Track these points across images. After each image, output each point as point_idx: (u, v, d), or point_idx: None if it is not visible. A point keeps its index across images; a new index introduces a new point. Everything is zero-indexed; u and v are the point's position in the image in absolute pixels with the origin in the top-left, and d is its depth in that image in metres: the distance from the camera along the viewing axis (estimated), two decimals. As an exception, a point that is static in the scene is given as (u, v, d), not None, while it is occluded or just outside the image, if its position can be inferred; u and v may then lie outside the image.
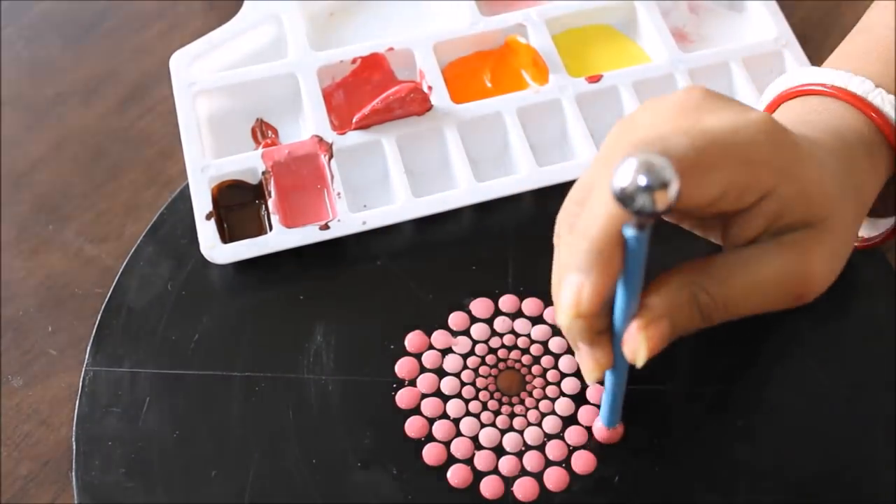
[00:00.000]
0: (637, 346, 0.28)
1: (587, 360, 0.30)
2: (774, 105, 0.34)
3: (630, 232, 0.25)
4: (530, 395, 0.35)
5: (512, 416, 0.34)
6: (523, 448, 0.34)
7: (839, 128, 0.31)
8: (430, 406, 0.34)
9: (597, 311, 0.27)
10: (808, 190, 0.28)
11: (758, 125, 0.28)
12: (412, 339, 0.36)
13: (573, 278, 0.27)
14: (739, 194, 0.27)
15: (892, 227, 0.35)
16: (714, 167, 0.26)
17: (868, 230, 0.36)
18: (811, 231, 0.28)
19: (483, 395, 0.35)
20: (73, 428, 0.34)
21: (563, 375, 0.35)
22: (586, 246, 0.26)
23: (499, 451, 0.34)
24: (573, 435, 0.34)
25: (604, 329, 0.29)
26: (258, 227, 0.38)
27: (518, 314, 0.36)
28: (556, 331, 0.36)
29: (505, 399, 0.35)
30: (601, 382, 0.31)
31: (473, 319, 0.36)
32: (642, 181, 0.23)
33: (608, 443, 0.34)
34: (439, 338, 0.36)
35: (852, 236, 0.30)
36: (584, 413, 0.34)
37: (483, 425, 0.34)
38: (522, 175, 0.39)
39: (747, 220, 0.28)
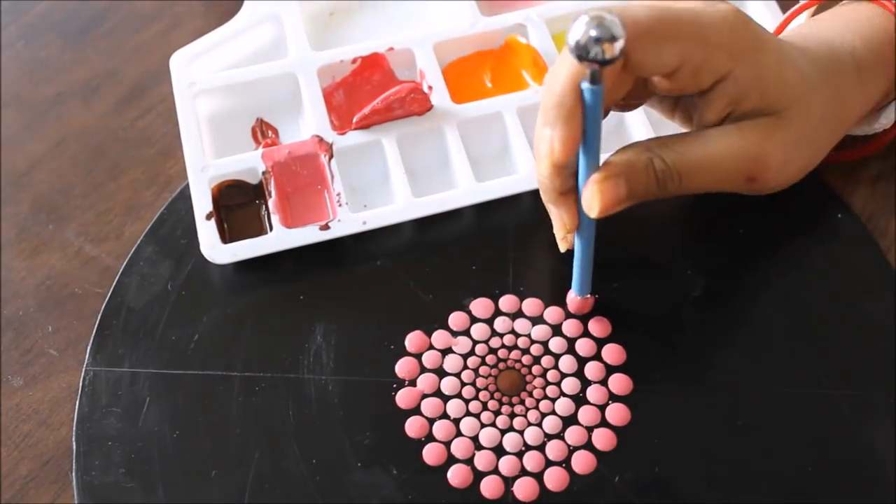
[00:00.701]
0: (591, 197, 0.30)
1: (555, 221, 0.33)
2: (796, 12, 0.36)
3: (586, 85, 0.28)
4: (530, 395, 0.35)
5: (512, 416, 0.34)
6: (523, 448, 0.34)
7: (833, 40, 0.33)
8: (430, 406, 0.35)
9: (566, 160, 0.30)
10: (764, 77, 0.30)
11: (722, 13, 0.30)
12: (412, 339, 0.36)
13: (545, 132, 0.30)
14: (695, 71, 0.30)
15: (891, 125, 0.36)
16: (669, 38, 0.29)
17: (865, 128, 0.37)
18: (769, 119, 0.31)
19: (483, 395, 0.35)
20: (73, 428, 0.34)
21: (564, 375, 0.35)
22: (552, 101, 0.29)
23: (499, 451, 0.34)
24: (573, 435, 0.34)
25: (568, 190, 0.32)
26: (258, 227, 0.38)
27: (518, 314, 0.37)
28: (556, 331, 0.36)
29: (505, 399, 0.35)
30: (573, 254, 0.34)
31: (473, 319, 0.36)
32: (593, 33, 0.27)
33: (580, 312, 0.36)
34: (439, 338, 0.36)
35: (817, 135, 0.32)
36: (584, 413, 0.34)
37: (483, 425, 0.34)
38: (522, 175, 0.39)
39: (709, 102, 0.31)
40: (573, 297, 0.36)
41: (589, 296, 0.36)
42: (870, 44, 0.34)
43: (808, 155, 0.32)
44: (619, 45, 0.27)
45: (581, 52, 0.27)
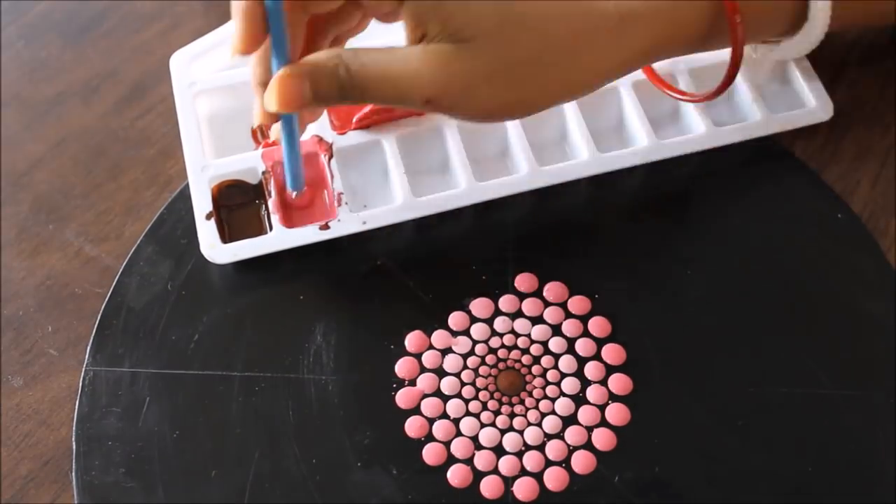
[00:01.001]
0: (271, 92, 0.31)
1: (254, 108, 0.34)
2: None
3: None
4: (530, 395, 0.35)
5: (512, 415, 0.34)
6: (523, 448, 0.34)
7: None
8: (429, 406, 0.35)
9: (246, 52, 0.31)
10: (445, 5, 0.30)
11: None
12: (412, 339, 0.36)
13: (232, 28, 0.31)
14: None
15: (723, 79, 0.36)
16: None
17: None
18: (453, 47, 0.31)
19: (483, 395, 0.35)
20: (73, 428, 0.34)
21: (563, 375, 0.35)
22: (236, 7, 0.31)
23: (499, 450, 0.34)
24: (573, 435, 0.34)
25: (266, 81, 0.32)
26: (258, 227, 0.38)
27: (518, 314, 0.36)
28: (555, 331, 0.36)
29: (505, 399, 0.35)
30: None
31: (473, 319, 0.36)
32: None
33: (297, 207, 0.37)
34: (439, 338, 0.36)
35: (523, 73, 0.32)
36: (583, 413, 0.34)
37: (483, 425, 0.34)
38: (522, 175, 0.39)
39: (403, 18, 0.31)
40: (289, 192, 0.37)
41: (304, 190, 0.37)
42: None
43: (510, 92, 0.32)
44: None
45: None
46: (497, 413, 0.34)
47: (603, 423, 0.34)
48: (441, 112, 0.32)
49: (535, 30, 0.31)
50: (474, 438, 0.34)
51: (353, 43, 0.34)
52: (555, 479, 0.33)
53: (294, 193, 0.37)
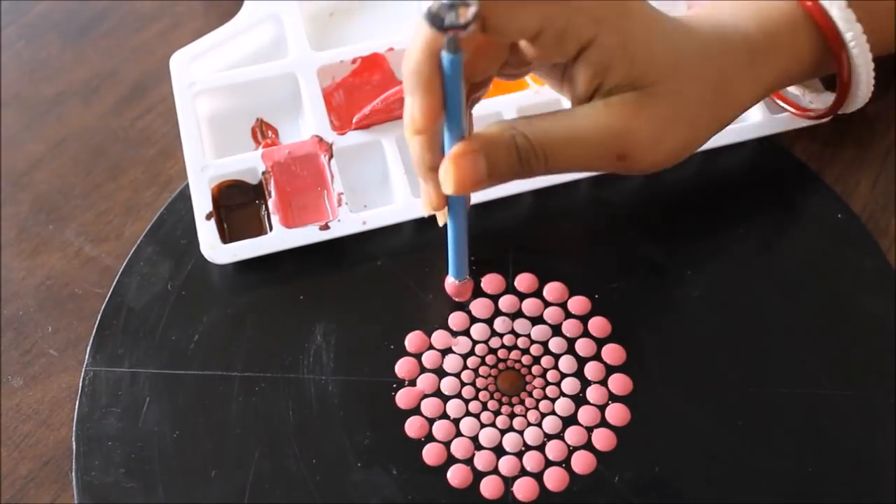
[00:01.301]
0: (446, 172, 0.29)
1: (423, 195, 0.31)
2: None
3: (444, 55, 0.28)
4: (530, 395, 0.35)
5: (512, 416, 0.34)
6: (523, 448, 0.34)
7: (726, 22, 0.32)
8: (430, 406, 0.34)
9: (426, 130, 0.29)
10: (630, 45, 0.29)
11: None
12: (412, 339, 0.36)
13: (406, 100, 0.29)
14: (558, 36, 0.28)
15: (832, 101, 0.36)
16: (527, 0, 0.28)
17: (817, 103, 0.38)
18: (639, 94, 0.29)
19: (483, 395, 0.35)
20: (73, 428, 0.34)
21: (563, 376, 0.35)
22: (409, 69, 0.28)
23: (499, 451, 0.33)
24: (573, 435, 0.34)
25: (436, 166, 0.30)
26: (258, 227, 0.38)
27: (518, 314, 0.36)
28: (555, 331, 0.36)
29: (505, 399, 0.35)
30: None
31: (473, 319, 0.36)
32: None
33: (459, 298, 0.35)
34: (439, 338, 0.36)
35: (694, 115, 0.31)
36: (583, 413, 0.34)
37: (483, 425, 0.34)
38: (522, 175, 0.38)
39: (577, 72, 0.30)
40: (451, 282, 0.35)
41: (467, 279, 0.35)
42: (766, 29, 0.33)
43: (684, 135, 0.31)
44: (473, 10, 0.26)
45: (434, 19, 0.26)
46: (497, 413, 0.34)
47: (603, 423, 0.34)
48: (629, 166, 0.30)
49: (698, 69, 0.31)
50: (474, 439, 0.34)
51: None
52: (555, 480, 0.33)
53: (456, 282, 0.35)
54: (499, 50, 0.30)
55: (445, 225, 0.33)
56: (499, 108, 0.40)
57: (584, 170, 0.30)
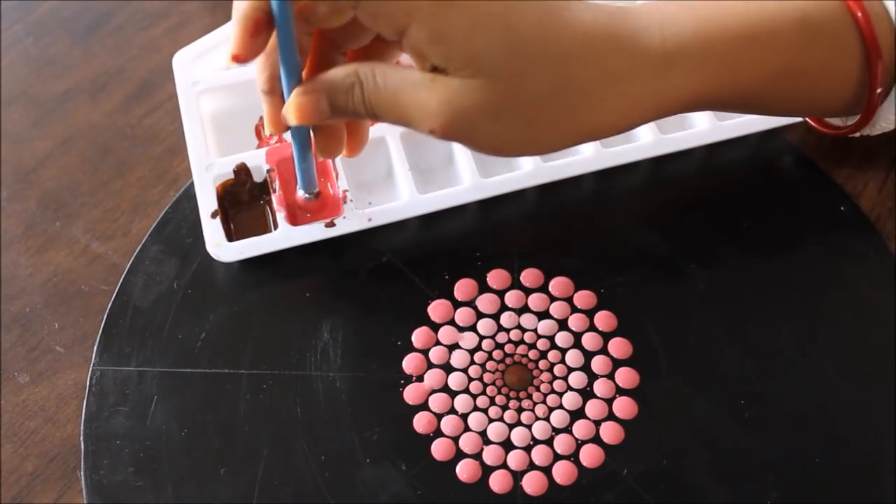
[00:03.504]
0: (288, 108, 0.29)
1: (264, 112, 0.30)
2: None
3: (274, 2, 0.27)
4: (538, 389, 0.32)
5: (520, 410, 0.31)
6: (531, 442, 0.31)
7: (644, 23, 0.28)
8: (437, 401, 0.31)
9: (241, 60, 0.28)
10: (442, 42, 0.26)
11: None
12: (419, 335, 0.33)
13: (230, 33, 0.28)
14: (372, 16, 0.27)
15: (857, 119, 0.32)
16: None
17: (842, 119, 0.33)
18: (458, 82, 0.27)
19: (490, 390, 0.32)
20: (81, 427, 0.31)
21: (570, 370, 0.32)
22: (236, 4, 0.28)
23: (507, 445, 0.31)
24: (581, 429, 0.31)
25: (270, 91, 0.29)
26: (263, 225, 0.35)
27: (524, 309, 0.33)
28: (562, 325, 0.33)
29: (512, 394, 0.32)
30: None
31: (480, 315, 0.33)
32: None
33: (311, 214, 0.33)
34: (446, 333, 0.33)
35: (537, 111, 0.27)
36: (591, 407, 0.31)
37: (491, 420, 0.31)
38: (527, 170, 0.35)
39: (408, 53, 0.28)
40: (300, 197, 0.34)
41: (316, 191, 0.34)
42: (703, 34, 0.28)
43: (520, 130, 0.28)
44: None
45: None
46: (505, 408, 0.31)
47: (610, 416, 0.31)
48: (450, 142, 0.29)
49: (551, 69, 0.27)
50: (482, 433, 0.31)
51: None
52: (563, 473, 0.30)
53: (307, 196, 0.34)
54: (338, 6, 0.27)
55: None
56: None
57: (408, 128, 0.28)
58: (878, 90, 0.30)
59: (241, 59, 0.28)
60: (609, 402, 0.31)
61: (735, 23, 0.29)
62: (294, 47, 0.28)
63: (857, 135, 0.33)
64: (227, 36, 0.39)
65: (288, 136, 0.32)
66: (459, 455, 0.30)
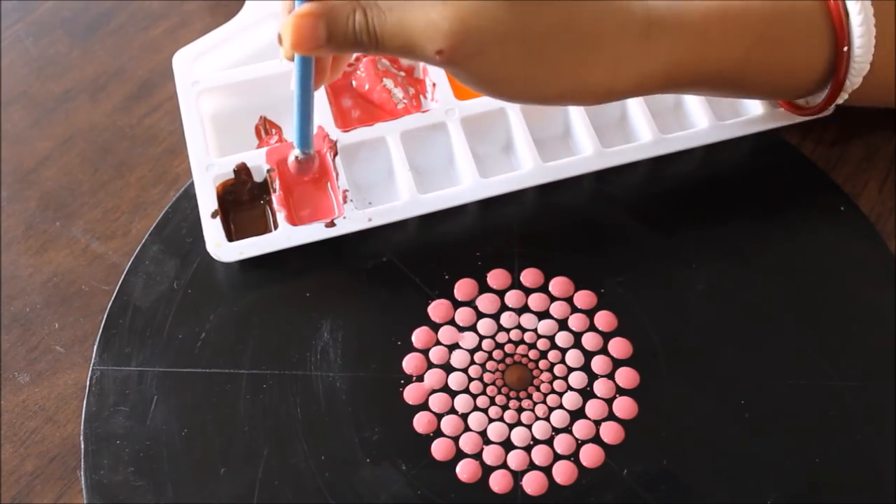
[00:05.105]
0: (285, 29, 0.27)
1: (283, 39, 0.29)
2: None
3: None
4: (538, 389, 0.32)
5: (520, 410, 0.31)
6: (531, 442, 0.31)
7: None
8: (437, 401, 0.31)
9: None
10: None
11: None
12: (419, 335, 0.33)
13: None
14: None
15: (825, 97, 0.32)
16: None
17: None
18: (475, 3, 0.27)
19: (490, 390, 0.32)
20: (81, 427, 0.31)
21: (571, 370, 0.32)
22: None
23: (507, 445, 0.30)
24: (581, 429, 0.31)
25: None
26: (263, 225, 0.35)
27: (524, 309, 0.33)
28: (562, 325, 0.33)
29: (512, 394, 0.32)
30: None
31: (480, 315, 0.33)
32: None
33: (301, 173, 0.31)
34: (446, 333, 0.33)
35: (538, 47, 0.28)
36: (591, 407, 0.31)
37: (491, 420, 0.31)
38: (527, 171, 0.35)
39: None
40: (293, 159, 0.32)
41: (312, 154, 0.31)
42: (677, 9, 0.29)
43: (522, 63, 0.28)
44: None
45: None
46: (505, 408, 0.31)
47: (611, 416, 0.31)
48: (451, 68, 0.28)
49: (560, 6, 0.27)
50: (483, 433, 0.31)
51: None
52: (563, 473, 0.30)
53: (300, 156, 0.32)
54: None
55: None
56: (503, 103, 0.36)
57: (412, 58, 0.28)
58: (845, 48, 0.30)
59: None
60: (609, 402, 0.31)
61: (691, 5, 0.30)
62: None
63: (828, 112, 0.33)
64: (229, 35, 0.39)
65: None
66: (459, 455, 0.30)
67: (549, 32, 0.27)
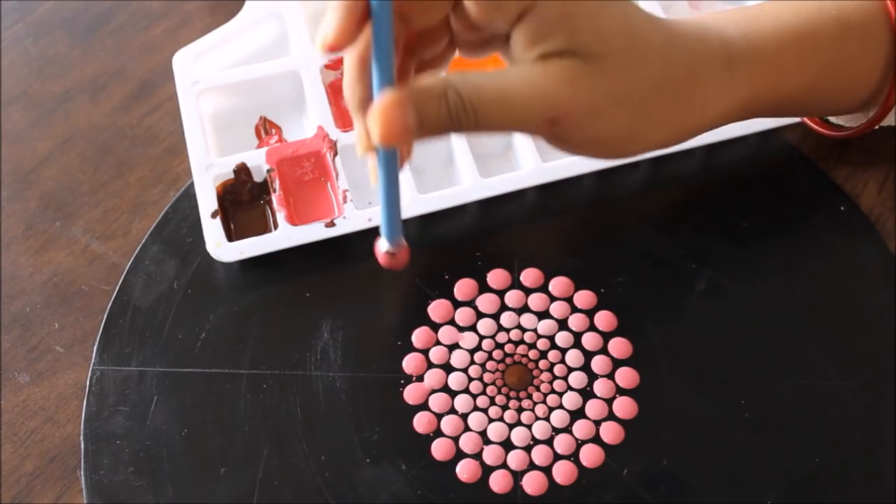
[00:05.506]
0: (374, 121, 0.24)
1: (356, 135, 0.27)
2: None
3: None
4: (538, 389, 0.32)
5: (520, 410, 0.31)
6: (531, 442, 0.31)
7: (709, 28, 0.29)
8: (437, 401, 0.31)
9: (336, 48, 0.25)
10: (574, 17, 0.25)
11: None
12: (419, 335, 0.32)
13: (326, 18, 0.25)
14: (494, 4, 0.25)
15: (867, 120, 0.32)
16: None
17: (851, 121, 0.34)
18: (580, 62, 0.25)
19: (490, 390, 0.32)
20: (81, 427, 0.31)
21: (570, 370, 0.32)
22: None
23: (507, 445, 0.30)
24: (581, 429, 0.31)
25: (367, 105, 0.26)
26: (263, 225, 0.35)
27: (524, 309, 0.33)
28: (562, 325, 0.33)
29: (512, 394, 0.31)
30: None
31: (480, 315, 0.33)
32: None
33: (392, 268, 0.28)
34: (446, 334, 0.33)
35: (644, 101, 0.27)
36: (591, 407, 0.31)
37: (491, 420, 0.31)
38: (527, 171, 0.35)
39: (516, 36, 0.26)
40: (382, 251, 0.28)
41: (402, 244, 0.28)
42: (751, 39, 0.29)
43: (629, 121, 0.27)
44: None
45: None
46: (505, 408, 0.31)
47: (610, 416, 0.31)
48: (561, 135, 0.26)
49: (661, 56, 0.27)
50: (482, 433, 0.31)
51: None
52: (563, 473, 0.30)
53: (391, 248, 0.28)
54: (440, 4, 0.26)
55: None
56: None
57: (515, 131, 0.27)
58: None
59: (339, 47, 0.25)
60: (609, 402, 0.31)
61: (779, 26, 0.29)
62: (392, 51, 0.25)
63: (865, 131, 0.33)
64: (229, 34, 0.39)
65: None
66: (459, 455, 0.30)
67: (654, 86, 0.27)
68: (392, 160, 0.26)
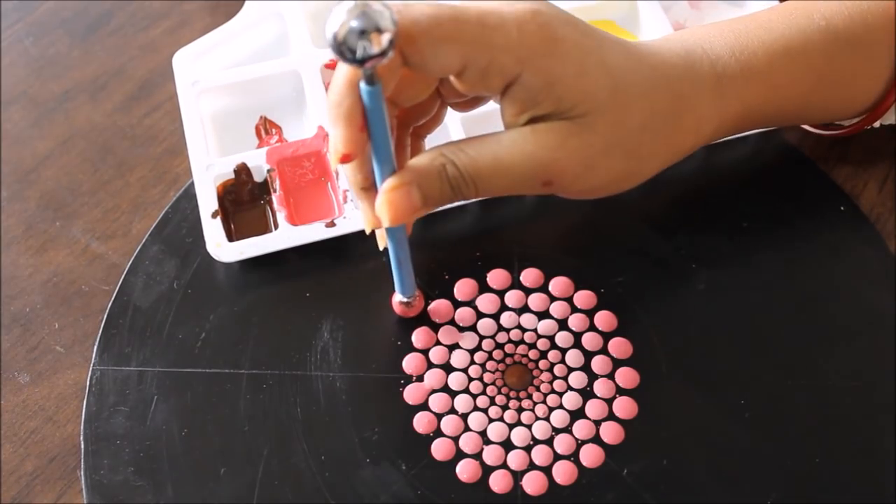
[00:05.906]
0: (381, 206, 0.27)
1: (362, 214, 0.29)
2: None
3: (363, 86, 0.24)
4: (538, 389, 0.32)
5: (520, 410, 0.31)
6: (531, 442, 0.30)
7: (694, 48, 0.30)
8: (437, 401, 0.31)
9: (350, 159, 0.26)
10: (558, 84, 0.26)
11: (515, 13, 0.26)
12: (419, 335, 0.32)
13: (330, 132, 0.26)
14: (482, 73, 0.26)
15: (858, 120, 0.33)
16: (448, 39, 0.25)
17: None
18: (568, 123, 0.27)
19: (490, 390, 0.32)
20: (81, 427, 0.31)
21: (570, 370, 0.32)
22: (330, 100, 0.26)
23: (507, 445, 0.30)
24: (581, 429, 0.31)
25: (370, 186, 0.28)
26: (264, 225, 0.35)
27: (524, 309, 0.33)
28: (562, 325, 0.33)
29: (512, 394, 0.31)
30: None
31: (480, 315, 0.33)
32: (355, 24, 0.22)
33: (406, 315, 0.32)
34: (446, 334, 0.33)
35: (636, 143, 0.28)
36: (591, 407, 0.31)
37: (491, 420, 0.31)
38: (527, 170, 0.35)
39: (504, 105, 0.27)
40: (397, 301, 0.32)
41: (416, 295, 0.32)
42: (739, 55, 0.30)
43: (623, 164, 0.28)
44: (388, 36, 0.22)
45: (343, 50, 0.22)
46: (505, 408, 0.31)
47: (611, 416, 0.31)
48: (558, 191, 0.28)
49: (641, 100, 0.28)
50: (483, 433, 0.31)
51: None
52: (564, 473, 0.30)
53: (405, 299, 0.32)
54: (426, 79, 0.27)
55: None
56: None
57: (515, 193, 0.28)
58: None
59: (354, 155, 0.26)
60: (609, 402, 0.31)
61: (769, 38, 0.30)
62: (389, 138, 0.26)
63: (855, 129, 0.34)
64: (228, 34, 0.39)
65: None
66: (459, 455, 0.30)
67: (642, 125, 0.28)
68: (401, 231, 0.28)
